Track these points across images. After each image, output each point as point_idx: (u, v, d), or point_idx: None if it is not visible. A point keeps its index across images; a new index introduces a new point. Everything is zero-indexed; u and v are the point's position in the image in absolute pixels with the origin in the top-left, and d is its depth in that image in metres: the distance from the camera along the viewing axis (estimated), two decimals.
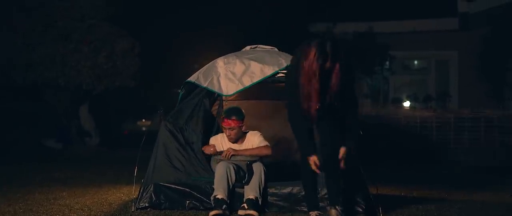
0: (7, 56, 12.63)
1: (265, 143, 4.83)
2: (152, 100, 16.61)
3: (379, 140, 11.37)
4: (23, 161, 10.02)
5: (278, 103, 5.77)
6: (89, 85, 13.15)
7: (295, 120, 4.13)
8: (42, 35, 12.80)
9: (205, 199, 4.58)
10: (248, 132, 4.93)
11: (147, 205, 4.61)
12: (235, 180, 4.54)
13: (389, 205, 5.02)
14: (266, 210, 4.55)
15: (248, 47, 5.45)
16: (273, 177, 4.67)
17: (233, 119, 4.74)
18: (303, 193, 4.43)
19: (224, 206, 4.29)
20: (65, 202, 5.17)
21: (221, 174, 4.47)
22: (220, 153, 4.75)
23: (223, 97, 5.55)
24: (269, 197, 4.60)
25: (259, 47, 5.40)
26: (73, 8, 13.06)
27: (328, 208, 4.19)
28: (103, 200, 5.32)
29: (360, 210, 4.51)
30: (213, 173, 4.61)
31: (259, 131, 5.02)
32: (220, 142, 4.87)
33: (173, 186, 4.64)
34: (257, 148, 4.79)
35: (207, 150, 4.80)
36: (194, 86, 5.04)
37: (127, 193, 5.82)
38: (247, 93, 5.33)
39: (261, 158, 4.79)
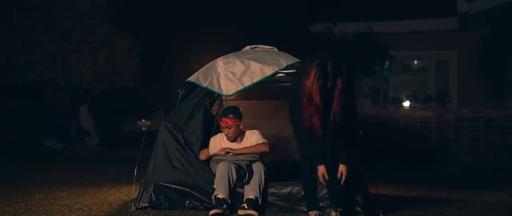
0: (7, 56, 12.63)
1: (263, 140, 4.83)
2: (152, 100, 16.61)
3: (379, 140, 11.37)
4: (23, 161, 10.01)
5: (278, 103, 5.79)
6: (89, 85, 13.15)
7: (299, 131, 4.12)
8: (42, 35, 12.81)
9: (205, 199, 4.58)
10: (247, 131, 4.94)
11: (147, 205, 4.61)
12: (236, 180, 4.54)
13: (389, 205, 5.02)
14: (266, 210, 4.55)
15: (248, 47, 5.44)
16: (273, 177, 4.67)
17: (231, 118, 4.75)
18: (303, 193, 4.43)
19: (224, 205, 4.29)
20: (65, 202, 5.17)
21: (222, 174, 4.47)
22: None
23: (223, 97, 5.55)
24: (269, 197, 4.60)
25: (259, 47, 5.39)
26: (73, 8, 13.06)
27: (328, 210, 4.19)
28: (103, 200, 5.32)
29: (360, 210, 4.51)
30: (213, 173, 4.62)
31: (259, 130, 5.03)
32: (219, 141, 4.88)
33: (173, 186, 4.64)
34: (254, 145, 4.80)
35: (201, 156, 4.81)
36: (194, 86, 5.04)
37: (127, 193, 5.82)
38: (247, 93, 5.32)
39: (261, 158, 4.80)
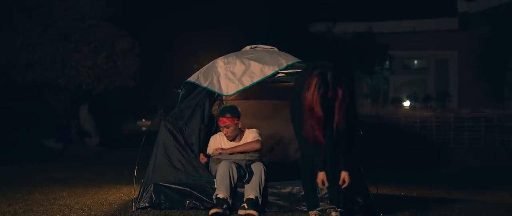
0: (7, 56, 12.62)
1: (256, 138, 4.84)
2: (152, 100, 16.61)
3: (379, 140, 11.36)
4: (23, 161, 10.01)
5: (278, 103, 5.79)
6: (89, 85, 13.15)
7: (300, 133, 4.13)
8: (42, 35, 12.80)
9: (205, 198, 4.58)
10: (246, 130, 4.96)
11: (147, 205, 4.61)
12: (237, 180, 4.55)
13: (389, 205, 5.03)
14: (266, 210, 4.56)
15: (248, 47, 5.45)
16: (273, 176, 4.68)
17: (228, 117, 4.78)
18: (303, 192, 4.43)
19: (224, 205, 4.30)
20: (65, 202, 5.17)
21: (223, 174, 4.48)
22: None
23: (223, 97, 5.55)
24: (269, 196, 4.61)
25: (259, 47, 5.40)
26: (73, 8, 13.05)
27: (328, 210, 4.19)
28: (103, 200, 5.32)
29: (360, 210, 4.51)
30: (212, 174, 4.62)
31: (259, 130, 5.04)
32: (219, 141, 4.91)
33: (173, 186, 4.65)
34: (246, 143, 4.81)
35: (202, 160, 4.83)
36: (194, 86, 5.04)
37: (127, 193, 5.82)
38: (247, 93, 5.33)
39: (260, 158, 4.81)
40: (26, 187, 6.35)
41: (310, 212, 4.24)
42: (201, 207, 4.57)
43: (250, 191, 4.43)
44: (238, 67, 4.85)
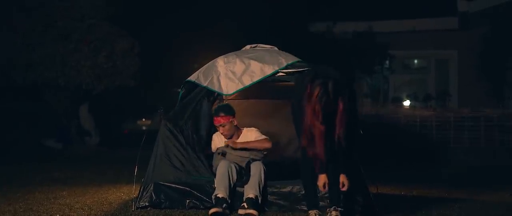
0: (7, 56, 12.62)
1: (263, 136, 4.85)
2: (152, 100, 16.60)
3: (379, 139, 11.35)
4: (23, 161, 10.01)
5: (278, 102, 5.80)
6: (89, 85, 13.14)
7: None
8: (42, 35, 12.79)
9: (205, 198, 4.58)
10: (243, 128, 4.97)
11: (147, 204, 4.61)
12: (236, 180, 4.56)
13: (389, 204, 5.03)
14: (266, 209, 4.56)
15: (248, 46, 5.45)
16: (273, 176, 4.68)
17: (222, 116, 4.81)
18: (303, 192, 4.44)
19: (224, 205, 4.30)
20: (65, 201, 5.18)
21: (222, 173, 4.48)
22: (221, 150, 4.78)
23: (223, 97, 5.55)
24: (269, 196, 4.61)
25: (259, 46, 5.40)
26: (73, 8, 13.04)
27: (328, 209, 4.20)
28: (103, 199, 5.32)
29: (360, 209, 4.51)
30: (213, 172, 4.62)
31: (259, 130, 5.04)
32: (217, 141, 4.92)
33: (173, 185, 4.65)
34: (256, 141, 4.82)
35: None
36: (194, 85, 5.04)
37: (127, 192, 5.83)
38: (247, 92, 5.33)
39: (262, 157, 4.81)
40: (26, 186, 6.35)
41: (310, 212, 4.24)
42: (201, 207, 4.57)
43: (250, 191, 4.43)
44: (238, 66, 4.85)
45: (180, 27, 16.11)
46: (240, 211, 4.31)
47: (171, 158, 4.75)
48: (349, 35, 21.19)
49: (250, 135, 4.91)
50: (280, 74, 4.84)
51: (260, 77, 4.78)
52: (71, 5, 13.04)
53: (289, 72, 4.79)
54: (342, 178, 4.09)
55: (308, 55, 8.44)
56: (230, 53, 5.16)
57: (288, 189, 4.61)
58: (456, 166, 11.80)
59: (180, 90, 5.19)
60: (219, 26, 16.24)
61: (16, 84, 13.04)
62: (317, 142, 3.87)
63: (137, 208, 4.59)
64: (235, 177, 4.55)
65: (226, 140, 4.86)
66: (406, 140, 12.90)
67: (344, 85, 3.88)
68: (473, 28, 21.61)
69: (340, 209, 4.16)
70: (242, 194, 4.48)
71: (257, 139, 4.86)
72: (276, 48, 5.37)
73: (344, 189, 4.10)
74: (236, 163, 4.66)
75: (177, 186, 4.64)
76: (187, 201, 4.60)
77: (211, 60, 5.16)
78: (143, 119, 24.73)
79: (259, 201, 4.42)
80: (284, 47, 5.50)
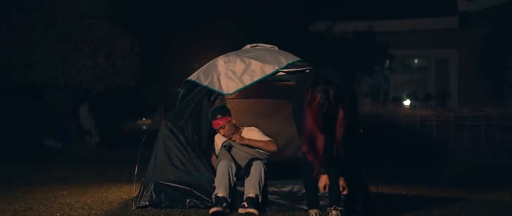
0: (7, 56, 12.61)
1: (267, 138, 4.87)
2: (152, 99, 16.60)
3: (379, 139, 11.37)
4: (23, 160, 10.01)
5: (278, 101, 5.79)
6: (89, 85, 13.14)
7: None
8: (42, 35, 12.79)
9: (205, 197, 4.58)
10: (244, 127, 4.97)
11: (147, 203, 4.61)
12: (237, 179, 4.56)
13: (389, 204, 5.03)
14: (267, 209, 4.55)
15: (248, 46, 5.44)
16: (273, 175, 4.68)
17: (219, 118, 4.84)
18: (303, 191, 4.43)
19: (224, 204, 4.30)
20: (65, 200, 5.17)
21: (222, 173, 4.48)
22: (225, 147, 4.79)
23: (224, 96, 5.55)
24: (269, 195, 4.60)
25: (259, 46, 5.39)
26: (73, 8, 13.04)
27: (329, 208, 4.20)
28: (103, 199, 5.32)
29: (360, 209, 4.50)
30: (214, 170, 4.62)
31: (259, 129, 5.04)
32: (220, 143, 4.93)
33: (173, 184, 4.64)
34: (264, 141, 4.84)
35: (213, 163, 4.86)
36: (195, 85, 5.04)
37: (128, 191, 5.82)
38: (247, 92, 5.32)
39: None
40: (27, 186, 6.35)
41: (310, 211, 4.24)
42: (201, 206, 4.57)
43: (250, 190, 4.42)
44: (238, 66, 4.84)
45: (180, 27, 16.10)
46: (241, 210, 4.31)
47: (172, 158, 4.75)
48: (349, 35, 21.22)
49: (251, 134, 4.93)
50: (281, 73, 4.83)
51: (260, 77, 4.77)
52: (71, 5, 13.04)
53: (290, 71, 4.79)
54: (342, 182, 4.10)
55: (308, 54, 8.45)
56: (230, 53, 5.15)
57: (288, 188, 4.61)
58: (456, 165, 11.81)
59: (180, 89, 5.18)
60: (219, 26, 16.24)
61: (16, 84, 13.04)
62: (318, 149, 3.88)
63: (137, 207, 4.59)
64: (235, 176, 4.55)
65: (231, 138, 4.87)
66: (406, 140, 12.91)
67: (345, 91, 3.87)
68: (473, 27, 21.64)
69: (340, 208, 4.16)
70: (243, 193, 4.48)
71: (260, 138, 4.87)
72: (276, 48, 5.37)
73: (345, 193, 4.12)
74: (236, 162, 4.66)
75: (177, 185, 4.64)
76: (188, 200, 4.60)
77: (211, 59, 5.15)
78: (143, 119, 24.73)
79: (260, 200, 4.42)
80: (284, 46, 5.50)
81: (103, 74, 13.08)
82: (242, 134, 4.92)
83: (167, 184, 4.65)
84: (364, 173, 4.59)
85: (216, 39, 15.12)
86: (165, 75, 15.97)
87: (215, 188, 4.46)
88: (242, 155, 4.72)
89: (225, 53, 5.14)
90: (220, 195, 4.35)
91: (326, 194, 4.33)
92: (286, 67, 4.80)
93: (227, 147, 4.75)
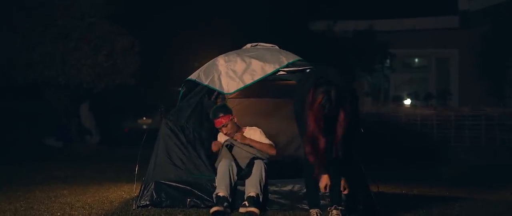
0: (7, 55, 12.60)
1: (268, 141, 4.87)
2: (152, 98, 16.60)
3: (380, 138, 11.36)
4: (23, 160, 10.01)
5: (278, 101, 5.79)
6: (89, 84, 13.13)
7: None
8: (42, 34, 12.77)
9: (206, 197, 4.58)
10: (246, 127, 4.98)
11: (148, 203, 4.61)
12: (237, 178, 4.56)
13: (390, 203, 5.03)
14: (267, 208, 4.55)
15: (248, 45, 5.43)
16: (274, 174, 4.67)
17: (222, 116, 4.87)
18: (304, 191, 4.43)
19: (225, 203, 4.30)
20: (66, 200, 5.17)
21: (223, 172, 4.48)
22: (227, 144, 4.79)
23: (225, 95, 5.54)
24: (270, 194, 4.60)
25: (259, 45, 5.38)
26: (73, 7, 13.03)
27: (329, 208, 4.19)
28: (104, 198, 5.32)
29: (361, 208, 4.50)
30: (215, 170, 4.62)
31: (260, 128, 5.05)
32: (223, 140, 4.94)
33: (174, 184, 4.64)
34: (264, 144, 4.86)
35: (214, 147, 4.88)
36: (195, 84, 5.03)
37: (128, 191, 5.82)
38: (247, 91, 5.32)
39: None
40: (27, 185, 6.35)
41: (311, 211, 4.24)
42: (202, 206, 4.56)
43: (251, 189, 4.42)
44: (239, 65, 4.84)
45: (180, 26, 16.09)
46: (241, 209, 4.31)
47: (172, 157, 4.75)
48: (349, 34, 21.20)
49: (253, 133, 4.96)
50: (281, 72, 4.82)
51: (261, 76, 4.77)
52: (71, 4, 13.02)
53: (290, 70, 4.78)
54: (342, 182, 4.10)
55: (309, 53, 8.45)
56: (230, 52, 5.15)
57: (289, 188, 4.60)
58: (457, 165, 11.81)
59: (180, 89, 5.18)
60: (220, 25, 16.23)
61: (16, 83, 13.02)
62: (320, 151, 3.87)
63: (138, 207, 4.59)
64: (235, 176, 4.55)
65: (233, 137, 4.87)
66: (407, 139, 12.91)
67: (346, 91, 3.86)
68: (474, 26, 21.62)
69: (341, 208, 4.16)
70: (243, 193, 4.47)
71: (261, 140, 4.87)
72: (276, 47, 5.36)
73: (346, 192, 4.12)
74: (237, 162, 4.66)
75: (178, 184, 4.64)
76: (188, 200, 4.60)
77: (211, 59, 5.15)
78: (144, 118, 24.74)
79: (260, 199, 4.42)
80: (285, 45, 5.50)
81: (103, 73, 13.07)
82: (244, 134, 4.93)
83: (168, 184, 4.65)
84: (364, 172, 4.59)
85: (216, 38, 15.11)
86: (166, 74, 15.96)
87: (215, 187, 4.46)
88: (243, 154, 4.72)
89: (225, 53, 5.13)
90: (220, 194, 4.35)
91: (327, 194, 4.32)
92: (287, 66, 4.79)
93: (229, 146, 4.75)
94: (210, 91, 5.08)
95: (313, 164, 3.97)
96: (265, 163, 4.66)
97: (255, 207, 4.29)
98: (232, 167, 4.54)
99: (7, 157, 10.49)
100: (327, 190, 4.09)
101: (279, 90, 5.49)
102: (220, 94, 5.30)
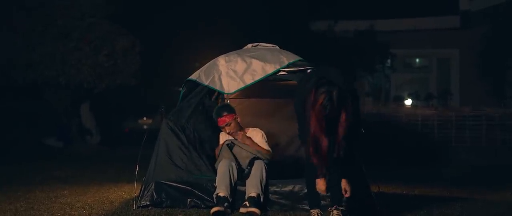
0: (7, 56, 12.60)
1: (268, 147, 4.87)
2: (153, 98, 16.61)
3: (381, 138, 11.35)
4: (23, 160, 10.00)
5: (279, 101, 5.78)
6: (90, 84, 13.13)
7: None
8: (42, 34, 12.77)
9: (206, 197, 4.57)
10: (249, 128, 4.97)
11: (148, 203, 4.60)
12: (237, 178, 4.55)
13: (390, 203, 5.02)
14: (268, 208, 4.54)
15: (249, 45, 5.43)
16: (275, 175, 4.67)
17: (226, 115, 4.86)
18: (305, 191, 4.42)
19: (225, 203, 4.29)
20: (66, 200, 5.16)
21: (223, 172, 4.48)
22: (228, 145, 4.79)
23: (225, 95, 5.54)
24: (270, 195, 4.59)
25: (260, 45, 5.38)
26: (73, 7, 13.03)
27: (330, 208, 4.18)
28: (104, 198, 5.31)
29: (362, 208, 4.49)
30: (215, 170, 4.61)
31: (260, 129, 5.04)
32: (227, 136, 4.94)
33: (174, 184, 4.64)
34: (262, 148, 4.86)
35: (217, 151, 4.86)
36: (195, 84, 5.03)
37: (128, 191, 5.81)
38: (248, 91, 5.32)
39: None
40: (27, 185, 6.34)
41: (312, 211, 4.23)
42: (202, 206, 4.56)
43: (252, 189, 4.42)
44: (240, 65, 4.83)
45: (180, 26, 16.10)
46: (242, 210, 4.30)
47: (173, 157, 4.75)
48: (350, 34, 21.20)
49: (255, 134, 4.95)
50: (282, 73, 4.82)
51: (262, 76, 4.76)
52: (71, 4, 13.02)
53: (291, 70, 4.78)
54: (344, 185, 4.07)
55: (310, 53, 8.44)
56: (231, 52, 5.14)
57: (289, 188, 4.60)
58: (458, 165, 11.80)
59: (181, 89, 5.17)
60: (220, 25, 16.23)
61: (17, 83, 13.02)
62: (322, 152, 3.86)
63: (138, 207, 4.58)
64: (236, 176, 4.54)
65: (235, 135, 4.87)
66: (408, 139, 12.90)
67: (347, 91, 3.85)
68: (475, 27, 21.60)
69: (341, 208, 4.15)
70: (244, 193, 4.47)
71: (261, 144, 4.89)
72: (277, 47, 5.36)
73: (347, 195, 4.09)
74: (237, 162, 4.66)
75: (178, 185, 4.63)
76: (189, 200, 4.59)
77: (212, 59, 5.14)
78: (144, 118, 24.75)
79: (261, 199, 4.41)
80: (285, 46, 5.49)
81: (103, 73, 13.07)
82: (246, 134, 4.92)
83: (168, 184, 4.64)
84: (365, 172, 4.59)
85: (216, 38, 15.11)
86: (166, 74, 15.96)
87: (216, 187, 4.45)
88: (243, 154, 4.72)
89: (226, 53, 5.13)
90: (221, 194, 4.35)
91: (328, 194, 4.32)
92: (288, 66, 4.78)
93: (229, 145, 4.75)
94: (210, 91, 5.07)
95: (316, 165, 3.96)
96: (266, 164, 4.66)
97: (255, 207, 4.28)
98: (232, 167, 4.53)
99: (7, 157, 10.49)
100: (324, 193, 4.08)
101: (279, 90, 5.48)
102: (221, 94, 5.30)
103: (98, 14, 13.22)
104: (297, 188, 4.56)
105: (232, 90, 4.78)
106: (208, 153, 4.97)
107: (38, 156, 11.04)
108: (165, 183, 4.64)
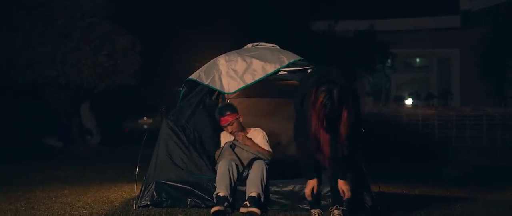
0: (7, 56, 12.60)
1: (269, 148, 4.87)
2: (153, 98, 16.61)
3: (381, 138, 11.34)
4: (24, 160, 10.00)
5: (279, 100, 5.77)
6: (90, 84, 13.13)
7: (300, 141, 4.13)
8: (42, 34, 12.77)
9: (206, 197, 4.56)
10: (251, 128, 4.97)
11: (148, 203, 4.59)
12: (237, 178, 4.55)
13: (391, 203, 5.01)
14: (268, 208, 4.54)
15: (249, 45, 5.42)
16: (275, 175, 4.66)
17: (228, 114, 4.85)
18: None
19: (225, 203, 4.29)
20: (66, 200, 5.16)
21: (223, 172, 4.47)
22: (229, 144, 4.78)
23: (225, 95, 5.53)
24: (271, 195, 4.59)
25: (260, 45, 5.37)
26: (73, 7, 13.03)
27: (330, 208, 4.18)
28: (104, 198, 5.31)
29: (362, 208, 4.48)
30: (215, 170, 4.61)
31: (261, 128, 5.03)
32: (224, 141, 4.92)
33: (174, 184, 4.63)
34: (263, 148, 4.86)
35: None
36: (196, 84, 5.02)
37: (129, 191, 5.81)
38: (248, 91, 5.31)
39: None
40: (27, 185, 6.34)
41: (312, 211, 4.23)
42: (202, 206, 4.55)
43: (252, 189, 4.41)
44: (240, 65, 4.83)
45: (180, 26, 16.10)
46: (242, 209, 4.29)
47: (173, 157, 4.74)
48: (350, 34, 21.20)
49: (257, 135, 4.94)
50: (282, 72, 4.81)
51: (262, 76, 4.76)
52: (71, 4, 13.02)
53: (291, 70, 4.77)
54: (343, 186, 4.05)
55: (310, 53, 8.43)
56: (231, 52, 5.14)
57: (290, 188, 4.59)
58: (458, 165, 11.79)
59: (181, 89, 5.17)
60: (220, 25, 16.23)
61: (17, 83, 13.02)
62: (324, 150, 3.85)
63: (139, 207, 4.58)
64: (235, 175, 4.54)
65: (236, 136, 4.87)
66: (408, 139, 12.89)
67: (348, 90, 3.84)
68: (475, 26, 21.62)
69: (342, 208, 4.15)
70: (244, 193, 4.46)
71: (262, 144, 4.88)
72: (277, 47, 5.35)
73: (346, 197, 4.07)
74: (237, 162, 4.65)
75: (178, 184, 4.63)
76: (189, 200, 4.59)
77: (212, 59, 5.14)
78: (144, 118, 24.76)
79: (262, 199, 4.41)
80: (286, 45, 5.49)
81: (104, 73, 13.07)
82: (248, 135, 4.91)
83: (169, 184, 4.63)
84: (365, 172, 4.58)
85: (217, 38, 15.10)
86: (166, 74, 15.97)
87: (216, 187, 4.45)
88: (244, 154, 4.71)
89: (226, 52, 5.12)
90: (221, 194, 4.34)
91: (328, 194, 4.32)
92: (288, 66, 4.78)
93: (231, 146, 4.74)
94: (211, 91, 5.06)
95: (322, 163, 3.94)
96: (267, 163, 4.65)
97: (256, 207, 4.28)
98: (231, 167, 4.53)
99: (7, 157, 10.49)
100: (315, 192, 4.07)
101: (280, 90, 5.47)
102: (221, 93, 5.29)
103: (98, 14, 13.22)
104: (297, 188, 4.55)
105: (232, 90, 4.78)
106: (208, 153, 4.96)
107: (39, 156, 11.03)
108: (165, 183, 4.64)
